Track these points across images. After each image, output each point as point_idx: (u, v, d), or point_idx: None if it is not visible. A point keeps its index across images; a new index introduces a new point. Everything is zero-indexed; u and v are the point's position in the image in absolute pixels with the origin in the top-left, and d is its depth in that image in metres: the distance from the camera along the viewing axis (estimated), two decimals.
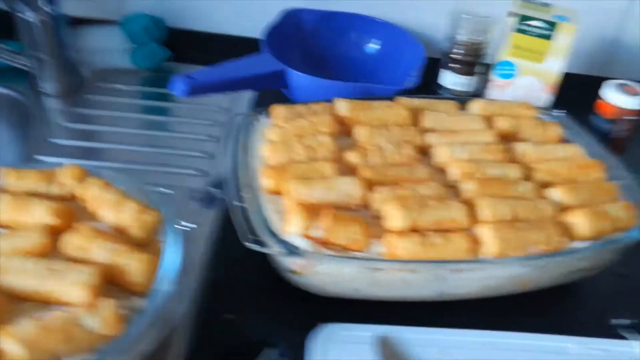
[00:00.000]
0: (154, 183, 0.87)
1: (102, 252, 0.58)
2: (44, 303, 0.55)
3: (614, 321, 0.74)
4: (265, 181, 0.72)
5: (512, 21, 0.99)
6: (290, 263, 0.67)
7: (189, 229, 0.64)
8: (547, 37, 0.99)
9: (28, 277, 0.55)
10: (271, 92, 1.08)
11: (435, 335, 0.67)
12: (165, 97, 1.11)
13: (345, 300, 0.71)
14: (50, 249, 0.60)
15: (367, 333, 0.65)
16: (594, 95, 1.05)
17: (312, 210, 0.66)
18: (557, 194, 0.73)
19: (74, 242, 0.59)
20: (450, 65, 1.05)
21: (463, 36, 1.02)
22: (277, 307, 0.73)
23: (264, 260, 0.74)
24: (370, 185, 0.72)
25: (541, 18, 0.98)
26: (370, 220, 0.69)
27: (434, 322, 0.68)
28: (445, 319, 0.69)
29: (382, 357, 0.63)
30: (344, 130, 0.85)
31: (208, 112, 1.08)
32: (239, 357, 0.66)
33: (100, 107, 1.07)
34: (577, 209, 0.70)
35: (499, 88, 1.04)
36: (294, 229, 0.65)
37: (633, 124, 1.02)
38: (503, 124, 0.85)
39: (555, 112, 0.93)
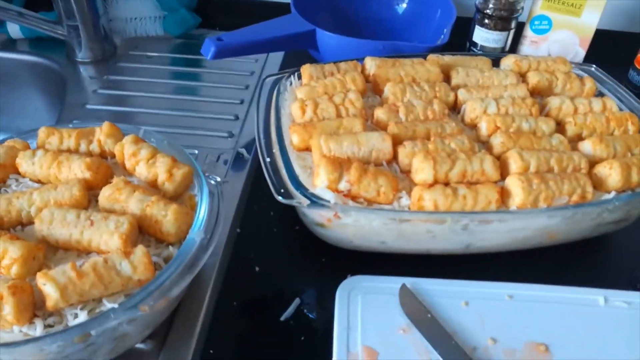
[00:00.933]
0: (184, 145, 0.89)
1: (137, 204, 0.60)
2: (83, 251, 0.58)
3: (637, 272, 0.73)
4: (294, 138, 0.73)
5: None
6: (317, 216, 0.68)
7: (217, 183, 0.65)
8: None
9: (69, 227, 0.57)
10: (299, 56, 1.09)
11: (461, 287, 0.67)
12: (195, 63, 1.13)
13: (372, 253, 0.72)
14: (88, 202, 0.63)
15: (393, 284, 0.66)
16: (631, 51, 1.02)
17: (340, 164, 0.66)
18: (588, 146, 0.72)
19: (109, 194, 0.61)
20: (483, 21, 1.03)
21: None
22: (305, 260, 0.75)
23: (292, 216, 0.76)
24: (399, 140, 0.72)
25: None
26: (398, 175, 0.69)
27: (459, 276, 0.68)
28: (470, 272, 0.69)
29: (406, 309, 0.64)
30: (373, 89, 0.85)
31: (237, 76, 1.09)
32: (267, 306, 0.68)
33: (132, 74, 1.09)
34: (608, 160, 0.69)
35: (533, 44, 1.02)
36: (322, 183, 0.66)
37: None
38: (536, 78, 0.84)
39: (589, 67, 0.91)
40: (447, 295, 0.66)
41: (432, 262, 0.71)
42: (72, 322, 0.51)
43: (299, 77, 0.86)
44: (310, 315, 0.67)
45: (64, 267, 0.52)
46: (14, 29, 1.16)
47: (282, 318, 0.66)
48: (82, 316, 0.52)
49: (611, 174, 0.67)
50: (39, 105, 1.20)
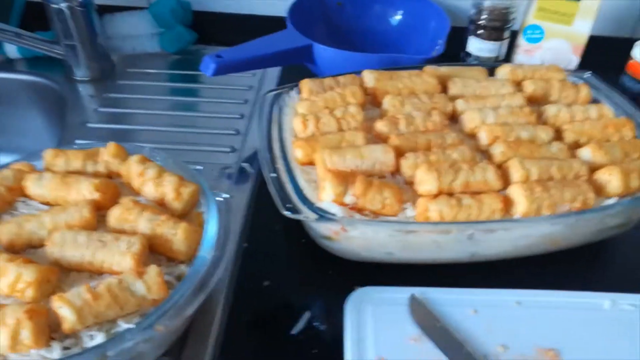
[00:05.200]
0: (186, 161, 0.90)
1: (146, 223, 0.61)
2: (95, 272, 0.59)
3: None
4: (297, 152, 0.74)
5: None
6: (324, 229, 0.69)
7: (224, 199, 0.66)
8: None
9: (81, 249, 0.58)
10: (296, 69, 1.10)
11: (469, 295, 0.68)
12: (193, 79, 1.14)
13: (379, 264, 0.73)
14: (97, 223, 0.64)
15: (402, 294, 0.67)
16: (623, 57, 1.04)
17: (345, 178, 0.67)
18: (587, 153, 0.74)
19: (119, 215, 0.62)
20: (477, 31, 1.04)
21: (490, 1, 1.01)
22: (313, 273, 0.76)
23: (298, 229, 0.77)
24: (400, 152, 0.73)
25: None
26: (401, 187, 0.70)
27: (465, 284, 0.69)
28: (476, 280, 0.70)
29: (417, 318, 0.65)
30: (371, 101, 0.87)
31: (235, 91, 1.10)
32: (277, 321, 0.69)
33: (131, 91, 1.10)
34: (608, 166, 0.70)
35: (527, 52, 1.04)
36: (327, 196, 0.67)
37: None
38: (532, 87, 0.85)
39: (584, 74, 0.92)
40: (455, 304, 0.67)
41: (438, 272, 0.72)
42: (88, 344, 0.52)
43: (299, 92, 0.87)
44: (321, 328, 0.68)
45: (78, 290, 0.53)
46: (11, 49, 1.16)
47: (294, 332, 0.67)
48: (99, 338, 0.52)
49: (611, 180, 0.69)
50: (38, 125, 1.20)
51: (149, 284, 0.54)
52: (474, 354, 0.61)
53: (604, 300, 0.68)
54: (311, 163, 0.74)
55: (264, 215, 0.83)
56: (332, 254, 0.73)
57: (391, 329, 0.64)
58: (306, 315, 0.68)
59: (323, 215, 0.65)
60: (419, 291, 0.68)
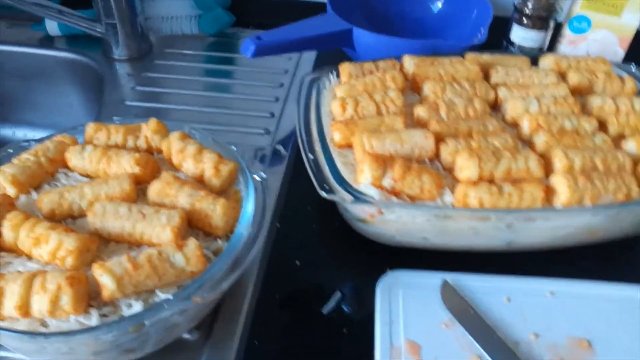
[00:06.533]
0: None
1: (186, 198, 0.61)
2: (135, 244, 0.59)
3: None
4: (336, 135, 0.74)
5: None
6: (361, 212, 0.69)
7: (261, 179, 0.66)
8: None
9: (121, 220, 0.59)
10: (333, 55, 1.09)
11: (503, 282, 0.67)
12: (229, 61, 1.15)
13: (412, 249, 0.72)
14: (138, 197, 0.64)
15: (435, 280, 0.67)
16: None
17: (384, 161, 0.67)
18: (632, 145, 0.72)
19: (160, 189, 0.62)
20: (521, 20, 1.02)
21: None
22: (343, 255, 0.76)
23: (331, 212, 0.77)
24: (440, 138, 0.72)
25: None
26: (441, 172, 0.69)
27: (499, 272, 0.68)
28: (510, 268, 0.69)
29: (448, 303, 0.64)
30: (411, 87, 0.86)
31: (271, 74, 1.10)
32: (308, 300, 0.69)
33: (168, 71, 1.11)
34: None
35: (571, 43, 1.01)
36: (365, 179, 0.66)
37: None
38: (577, 77, 0.83)
39: (630, 66, 0.90)
40: (488, 291, 0.66)
41: (471, 258, 0.72)
42: (126, 312, 0.53)
43: (338, 76, 0.86)
44: (351, 310, 0.67)
45: (119, 259, 0.53)
46: (52, 27, 1.18)
47: (324, 312, 0.67)
48: (137, 306, 0.53)
49: None
50: (73, 101, 1.22)
51: (188, 256, 0.55)
52: (506, 340, 0.60)
53: (637, 293, 0.67)
54: (349, 146, 0.73)
55: (297, 197, 0.83)
56: (364, 238, 0.73)
57: (422, 313, 0.64)
58: (337, 296, 0.68)
59: (360, 197, 0.65)
60: (451, 277, 0.67)
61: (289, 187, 0.85)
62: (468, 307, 0.64)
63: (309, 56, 1.16)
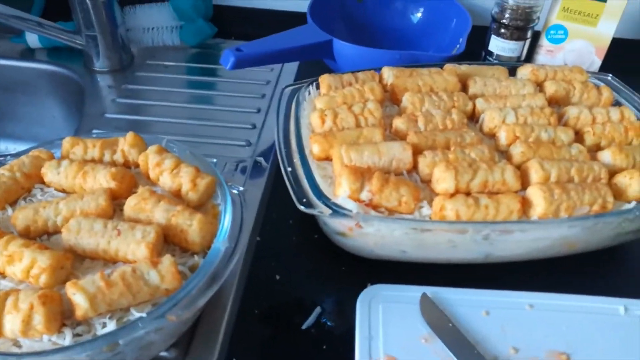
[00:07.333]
0: (202, 154, 0.90)
1: (162, 213, 0.61)
2: (110, 260, 0.59)
3: None
4: (315, 147, 0.74)
5: None
6: (339, 225, 0.68)
7: (239, 192, 0.66)
8: None
9: (96, 237, 0.58)
10: (314, 65, 1.10)
11: (482, 296, 0.67)
12: (211, 72, 1.15)
13: (392, 262, 0.72)
14: (114, 212, 0.64)
15: (414, 293, 0.67)
16: None
17: (362, 174, 0.67)
18: (607, 156, 0.72)
19: (136, 204, 0.62)
20: (499, 30, 1.03)
21: (513, 0, 0.99)
22: (324, 269, 0.75)
23: (311, 225, 0.76)
24: (419, 150, 0.72)
25: None
26: (419, 185, 0.70)
27: (479, 285, 0.69)
28: (490, 281, 0.69)
29: (428, 318, 0.64)
30: (390, 98, 0.86)
31: (253, 85, 1.10)
32: (287, 315, 0.68)
33: (149, 83, 1.11)
34: (628, 170, 0.69)
35: (549, 53, 1.02)
36: (343, 192, 0.66)
37: None
38: (553, 87, 0.84)
39: (607, 76, 0.91)
40: (467, 304, 0.66)
41: (451, 271, 0.72)
42: (100, 331, 0.52)
43: (318, 87, 0.87)
44: (331, 324, 0.67)
45: (93, 277, 0.53)
46: (32, 39, 1.17)
47: (304, 327, 0.67)
48: (111, 325, 0.52)
49: (631, 183, 0.68)
50: (55, 114, 1.21)
51: (163, 273, 0.54)
52: (485, 355, 0.60)
53: (617, 306, 0.67)
54: (328, 159, 0.73)
55: (277, 210, 0.82)
56: (345, 251, 0.73)
57: (402, 327, 0.64)
58: (317, 311, 0.68)
59: (338, 210, 0.65)
60: (430, 290, 0.67)
61: (270, 200, 0.85)
62: (447, 321, 0.64)
63: (291, 67, 1.16)
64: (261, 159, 0.91)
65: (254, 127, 0.99)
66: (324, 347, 0.65)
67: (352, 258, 0.73)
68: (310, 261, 0.76)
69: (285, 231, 0.80)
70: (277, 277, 0.73)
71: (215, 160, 0.89)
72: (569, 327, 0.65)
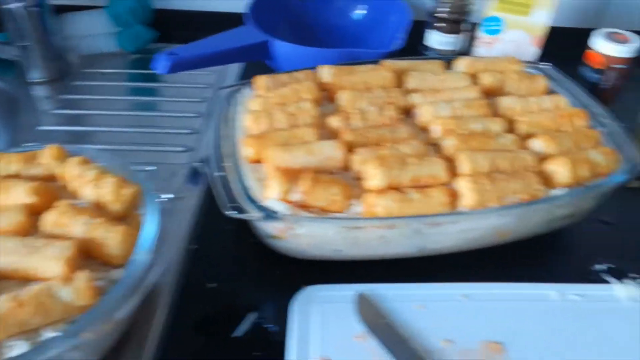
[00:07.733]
0: (141, 162, 0.88)
1: (81, 227, 0.58)
2: (24, 280, 0.56)
3: (596, 266, 0.74)
4: (246, 150, 0.72)
5: None
6: (270, 228, 0.67)
7: (167, 200, 0.64)
8: None
9: (9, 255, 0.55)
10: (258, 65, 1.08)
11: (415, 290, 0.67)
12: (152, 78, 1.12)
13: (327, 262, 0.71)
14: (32, 228, 0.61)
15: (349, 292, 0.66)
16: (583, 47, 1.03)
17: (292, 175, 0.66)
18: (538, 143, 0.73)
19: (53, 219, 0.59)
20: (436, 24, 1.03)
21: None
22: (260, 274, 0.74)
23: (246, 230, 0.75)
24: (351, 148, 0.71)
25: None
26: (350, 182, 0.69)
27: (415, 279, 0.68)
28: (426, 274, 0.69)
29: (362, 316, 0.64)
30: (328, 97, 0.85)
31: (194, 89, 1.08)
32: (222, 323, 0.67)
33: (87, 92, 1.07)
34: (556, 156, 0.69)
35: (486, 45, 1.02)
36: (273, 194, 0.65)
37: (623, 73, 1.00)
38: (487, 79, 0.84)
39: (542, 65, 0.91)
40: (403, 299, 0.66)
41: (388, 267, 0.71)
42: (11, 354, 0.50)
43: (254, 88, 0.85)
44: (267, 330, 0.66)
45: (1, 298, 0.50)
46: None
47: (237, 334, 0.65)
48: (23, 347, 0.50)
49: (560, 170, 0.68)
50: None
51: (77, 290, 0.52)
52: (419, 349, 0.60)
53: (550, 291, 0.67)
54: (262, 161, 0.72)
55: (215, 216, 0.79)
56: (281, 254, 0.71)
57: (337, 327, 0.63)
58: (251, 317, 0.67)
59: (267, 213, 0.63)
60: (366, 288, 0.66)
61: (209, 206, 0.83)
62: (381, 318, 0.63)
63: (234, 69, 1.14)
64: (198, 164, 0.89)
65: (195, 132, 0.97)
66: (256, 353, 0.63)
67: (288, 261, 0.72)
68: (247, 266, 0.75)
69: (223, 238, 0.78)
70: (213, 285, 0.71)
71: (155, 167, 0.88)
72: (503, 315, 0.65)
